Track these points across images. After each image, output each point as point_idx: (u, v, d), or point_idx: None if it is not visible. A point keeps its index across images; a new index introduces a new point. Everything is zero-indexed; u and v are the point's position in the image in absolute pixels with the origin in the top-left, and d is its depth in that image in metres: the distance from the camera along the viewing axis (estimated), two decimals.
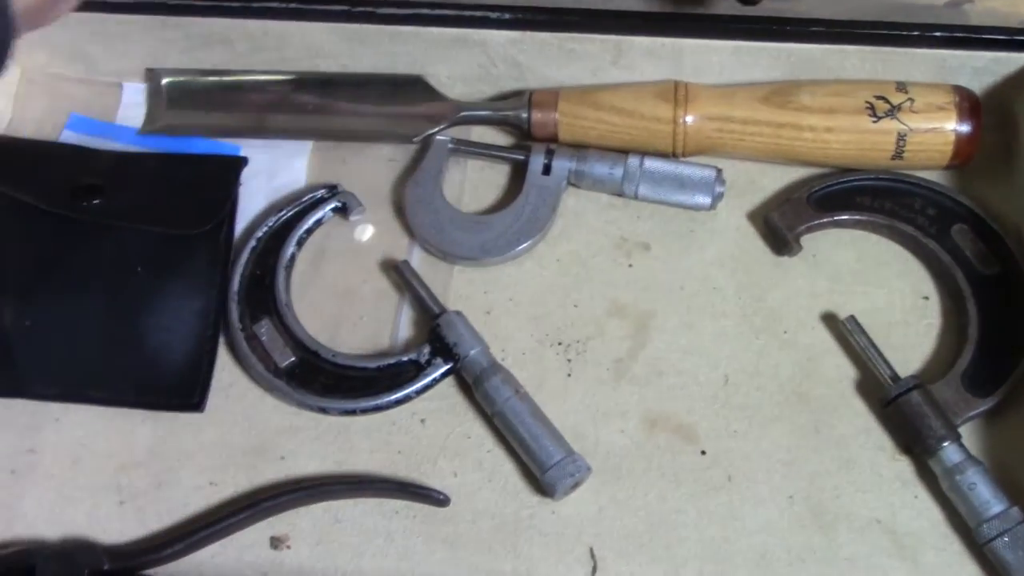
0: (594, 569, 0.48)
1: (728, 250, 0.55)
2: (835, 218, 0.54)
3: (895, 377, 0.50)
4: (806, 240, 0.54)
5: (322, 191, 0.56)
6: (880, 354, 0.50)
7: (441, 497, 0.49)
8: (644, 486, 0.50)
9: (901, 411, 0.49)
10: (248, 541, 0.49)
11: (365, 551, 0.49)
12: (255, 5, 0.56)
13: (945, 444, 0.48)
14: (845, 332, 0.52)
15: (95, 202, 0.55)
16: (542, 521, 0.49)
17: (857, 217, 0.54)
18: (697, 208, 0.55)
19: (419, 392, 0.52)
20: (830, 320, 0.53)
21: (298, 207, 0.56)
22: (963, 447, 0.48)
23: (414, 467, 0.51)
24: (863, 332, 0.51)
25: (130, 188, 0.56)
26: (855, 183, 0.55)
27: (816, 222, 0.54)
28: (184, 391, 0.52)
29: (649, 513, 0.49)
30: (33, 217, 0.55)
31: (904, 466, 0.50)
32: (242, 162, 0.57)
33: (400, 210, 0.57)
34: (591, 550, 0.49)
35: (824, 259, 0.55)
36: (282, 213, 0.56)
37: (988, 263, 0.52)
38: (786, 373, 0.52)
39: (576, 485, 0.49)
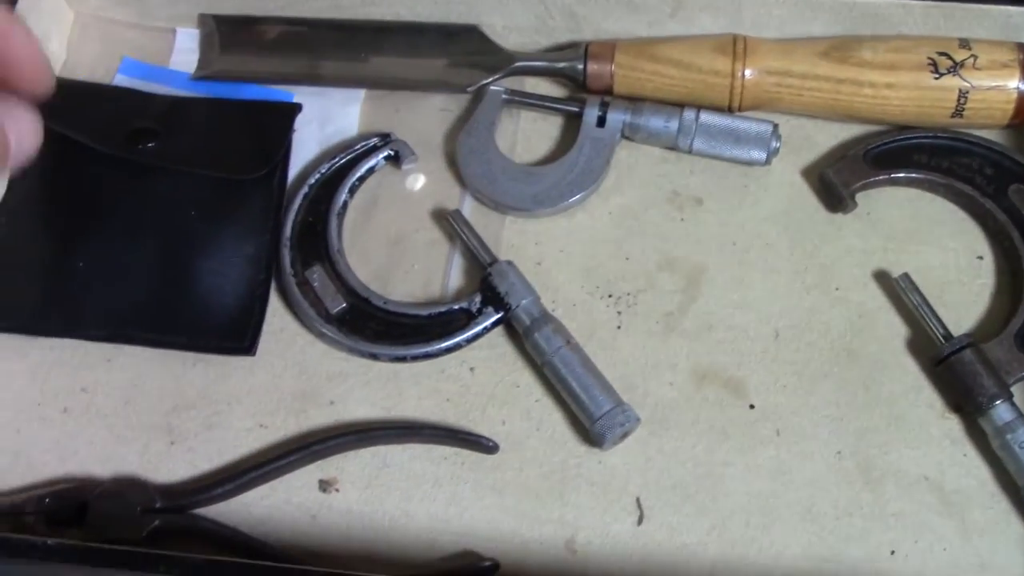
0: (641, 518, 0.49)
1: (781, 206, 0.55)
2: (891, 176, 0.54)
3: (947, 335, 0.50)
4: (861, 197, 0.54)
5: (375, 139, 0.56)
6: (933, 312, 0.50)
7: (490, 444, 0.50)
8: (692, 438, 0.50)
9: (952, 369, 0.49)
10: (297, 483, 0.50)
11: (413, 495, 0.50)
12: None
13: (997, 403, 0.48)
14: (898, 289, 0.51)
15: (150, 145, 0.55)
16: (589, 470, 0.50)
17: (913, 175, 0.54)
18: (752, 163, 0.55)
19: (469, 340, 0.52)
20: (883, 278, 0.53)
21: (350, 155, 0.56)
22: (1015, 406, 0.48)
23: (463, 415, 0.51)
24: (916, 289, 0.51)
25: (185, 132, 0.56)
26: (913, 141, 0.54)
27: (872, 179, 0.54)
28: (236, 335, 0.52)
29: (696, 465, 0.49)
30: (88, 158, 0.55)
31: (953, 424, 0.50)
32: (296, 108, 0.57)
33: (452, 160, 0.56)
34: (638, 500, 0.49)
35: (879, 217, 0.54)
36: (335, 160, 0.56)
37: None
38: (837, 330, 0.52)
39: (625, 435, 0.49)
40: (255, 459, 0.51)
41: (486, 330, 0.52)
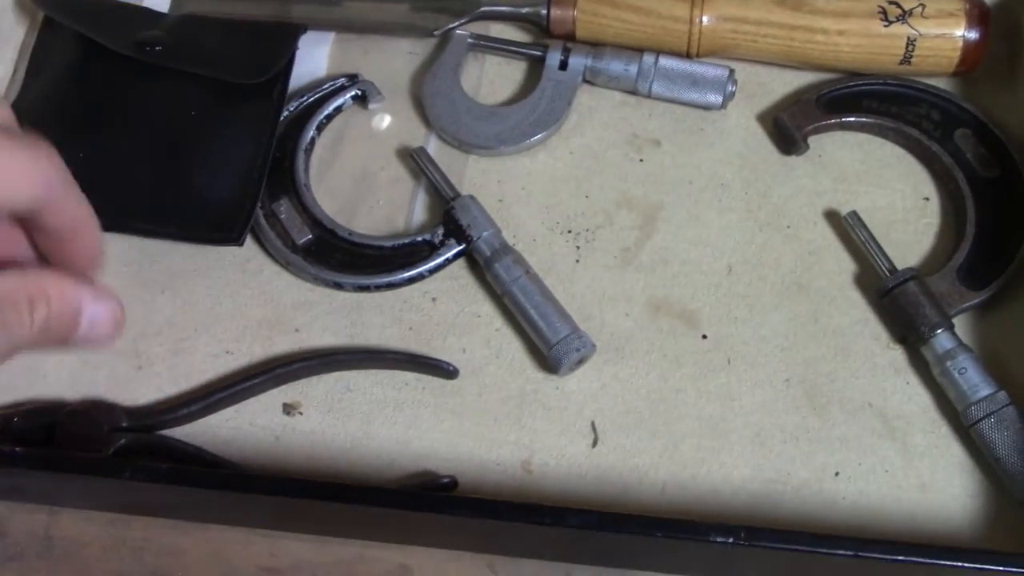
0: (595, 441, 0.50)
1: (736, 148, 0.57)
2: (842, 120, 0.56)
3: (892, 269, 0.51)
4: (813, 141, 0.56)
5: (342, 80, 0.58)
6: (879, 247, 0.52)
7: (451, 368, 0.51)
8: (646, 366, 0.52)
9: (897, 301, 0.51)
10: (262, 407, 0.51)
11: (374, 419, 0.51)
12: None
13: (938, 331, 0.50)
14: (846, 227, 0.53)
15: (157, 48, 0.57)
16: (546, 396, 0.51)
17: (863, 120, 0.56)
18: (708, 107, 0.57)
19: (432, 271, 0.53)
20: (833, 217, 0.55)
21: (318, 94, 0.58)
22: (955, 335, 0.50)
23: (424, 342, 0.52)
24: (864, 226, 0.53)
25: (191, 41, 0.58)
26: (863, 87, 0.56)
27: (823, 123, 0.56)
28: (226, 226, 0.54)
29: (650, 391, 0.51)
30: (99, 58, 0.57)
31: (897, 355, 0.52)
32: (300, 28, 0.58)
33: (418, 102, 0.58)
34: (593, 424, 0.51)
35: (830, 160, 0.56)
36: (303, 99, 0.57)
37: (988, 166, 0.54)
38: (787, 265, 0.54)
39: (581, 361, 0.51)
40: (221, 382, 0.52)
41: (448, 261, 0.54)
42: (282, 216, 0.55)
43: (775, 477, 0.49)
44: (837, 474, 0.49)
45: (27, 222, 0.39)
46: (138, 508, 0.51)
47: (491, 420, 0.51)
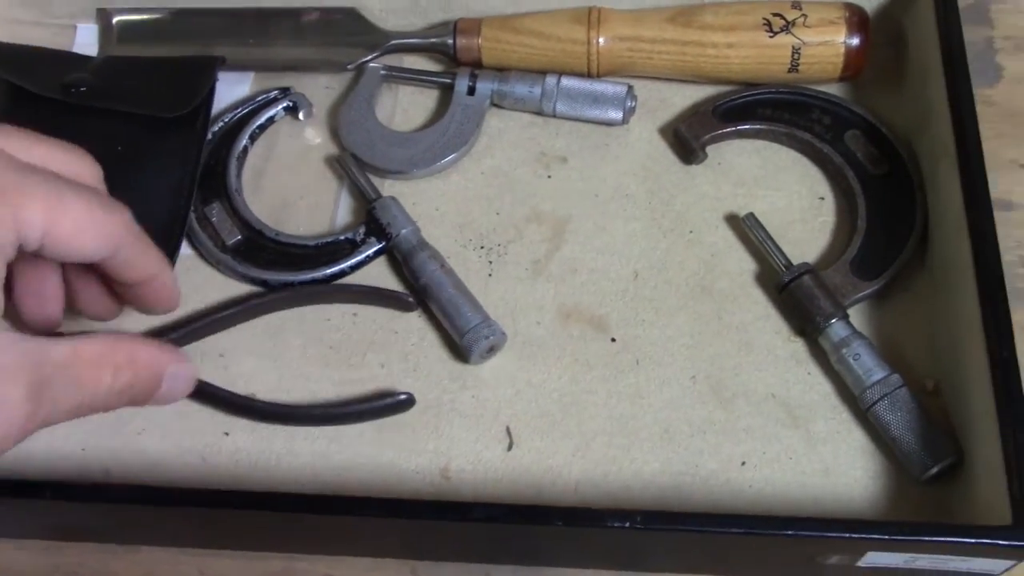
0: (510, 445, 0.52)
1: (640, 161, 0.59)
2: (738, 128, 0.58)
3: (788, 265, 0.54)
4: (712, 149, 0.59)
5: (275, 92, 0.61)
6: (776, 245, 0.54)
7: (409, 300, 0.54)
8: (558, 371, 0.54)
9: (793, 294, 0.53)
10: (192, 429, 0.53)
11: (296, 435, 0.52)
12: None
13: (833, 321, 0.52)
14: (745, 228, 0.55)
15: (82, 90, 0.59)
16: (463, 404, 0.53)
17: (758, 127, 0.58)
18: (611, 123, 0.59)
19: (353, 268, 0.56)
20: (733, 220, 0.57)
21: (252, 105, 0.61)
22: (850, 324, 0.52)
23: (343, 360, 0.54)
24: (761, 226, 0.55)
25: (115, 80, 0.60)
26: (756, 96, 0.59)
27: (720, 132, 0.58)
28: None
29: (562, 395, 0.53)
30: (27, 102, 0.60)
31: (798, 347, 0.54)
32: (218, 60, 0.61)
33: (336, 132, 0.61)
34: (507, 428, 0.52)
35: (729, 166, 0.59)
36: (237, 111, 0.61)
37: (877, 164, 0.56)
38: (691, 268, 0.56)
39: (492, 349, 0.53)
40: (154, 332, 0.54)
41: (369, 259, 0.56)
42: (213, 219, 0.57)
43: (684, 470, 0.51)
44: (743, 464, 0.51)
45: (104, 272, 0.43)
46: (70, 534, 0.52)
47: (410, 431, 0.52)
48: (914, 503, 0.49)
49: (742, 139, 0.59)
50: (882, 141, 0.57)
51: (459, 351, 0.53)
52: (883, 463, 0.50)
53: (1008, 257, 0.56)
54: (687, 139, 0.58)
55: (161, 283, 0.46)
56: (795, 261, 0.54)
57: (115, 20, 0.63)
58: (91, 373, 0.39)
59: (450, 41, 0.60)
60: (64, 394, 0.38)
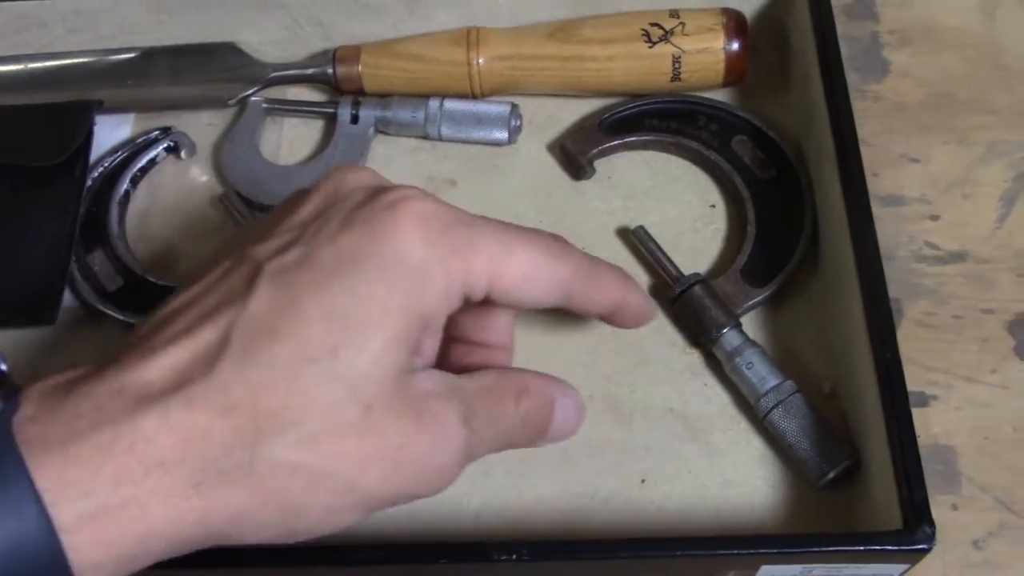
0: None
1: (529, 180, 0.59)
2: (625, 141, 0.58)
3: (679, 276, 0.53)
4: (600, 164, 0.58)
5: (156, 132, 0.60)
6: (666, 257, 0.54)
7: None
8: None
9: (685, 305, 0.52)
10: None
11: None
12: None
13: (725, 330, 0.51)
14: (635, 241, 0.55)
15: None
16: None
17: (645, 138, 0.58)
18: (497, 143, 0.59)
19: None
20: (624, 235, 0.56)
21: (132, 148, 0.60)
22: (742, 332, 0.51)
23: None
24: (650, 238, 0.54)
25: None
26: (643, 107, 0.58)
27: (607, 145, 0.58)
28: (38, 306, 0.55)
29: None
30: None
31: (694, 359, 0.53)
32: (95, 104, 0.59)
33: (220, 170, 0.59)
34: None
35: (618, 180, 0.58)
36: (118, 154, 0.60)
37: (765, 168, 0.56)
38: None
39: None
40: None
41: None
42: (96, 267, 0.56)
43: (583, 492, 0.50)
44: (643, 481, 0.50)
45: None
46: None
47: None
48: (815, 510, 0.49)
49: (630, 151, 0.58)
50: (769, 145, 0.57)
51: None
52: (783, 471, 0.50)
53: (901, 252, 0.56)
54: (574, 155, 0.57)
55: (629, 306, 0.43)
56: (688, 271, 0.54)
57: None
58: (499, 402, 0.39)
59: (330, 70, 0.59)
60: (484, 424, 0.38)
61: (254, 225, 0.40)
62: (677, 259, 0.54)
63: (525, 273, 0.38)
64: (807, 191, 0.55)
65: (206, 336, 0.34)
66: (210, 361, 0.33)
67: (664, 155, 0.58)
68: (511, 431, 0.40)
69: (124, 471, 0.32)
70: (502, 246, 0.38)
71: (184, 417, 0.33)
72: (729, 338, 0.51)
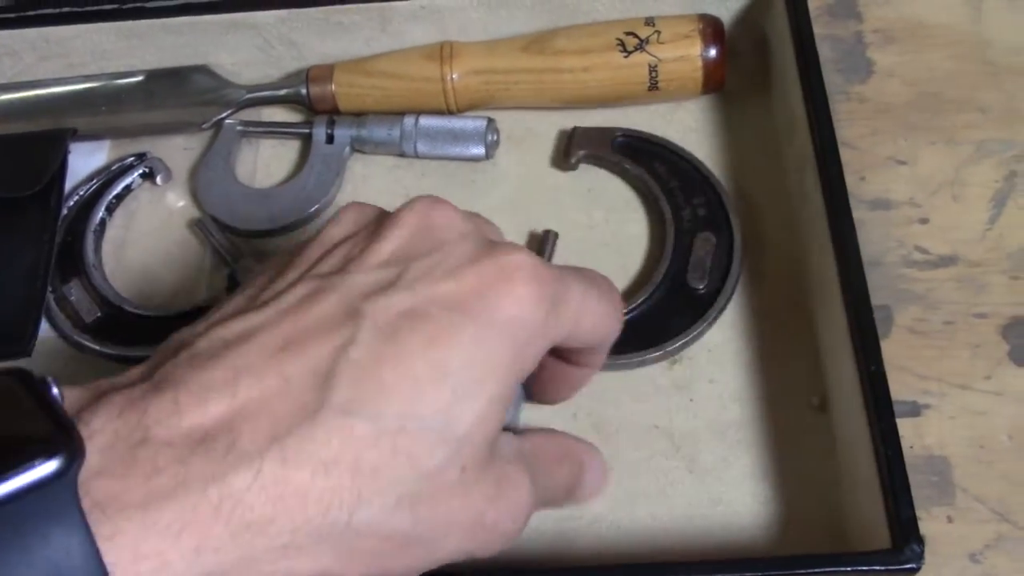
0: None
1: (508, 195, 0.58)
2: (622, 165, 0.56)
3: None
4: (589, 171, 0.57)
5: (131, 158, 0.59)
6: None
7: None
8: None
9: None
10: None
11: None
12: (30, 13, 0.58)
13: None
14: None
15: None
16: None
17: (638, 171, 0.56)
18: (475, 159, 0.58)
19: None
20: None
21: (107, 175, 0.59)
22: None
23: None
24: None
25: None
26: (659, 146, 0.57)
27: (606, 158, 0.56)
28: (14, 338, 0.54)
29: None
30: None
31: (679, 373, 0.52)
32: (69, 132, 0.59)
33: (196, 195, 0.59)
34: None
35: (599, 193, 0.57)
36: (92, 183, 0.59)
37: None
38: None
39: None
40: None
41: None
42: (72, 298, 0.55)
43: (567, 515, 0.49)
44: (630, 502, 0.49)
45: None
46: None
47: None
48: (807, 527, 0.48)
49: (612, 172, 0.57)
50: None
51: None
52: (773, 488, 0.49)
53: (890, 258, 0.55)
54: (574, 143, 0.56)
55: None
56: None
57: None
58: (552, 465, 0.39)
59: (303, 91, 0.58)
60: (540, 487, 0.37)
61: (315, 241, 0.37)
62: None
63: (595, 322, 0.37)
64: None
65: (299, 375, 0.31)
66: (309, 409, 0.30)
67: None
68: (556, 492, 0.39)
69: (207, 538, 0.28)
70: (584, 296, 0.36)
71: (280, 473, 0.29)
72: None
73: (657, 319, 0.52)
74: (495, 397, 0.33)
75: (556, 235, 0.54)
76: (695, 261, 0.53)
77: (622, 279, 0.55)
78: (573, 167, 0.57)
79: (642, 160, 0.56)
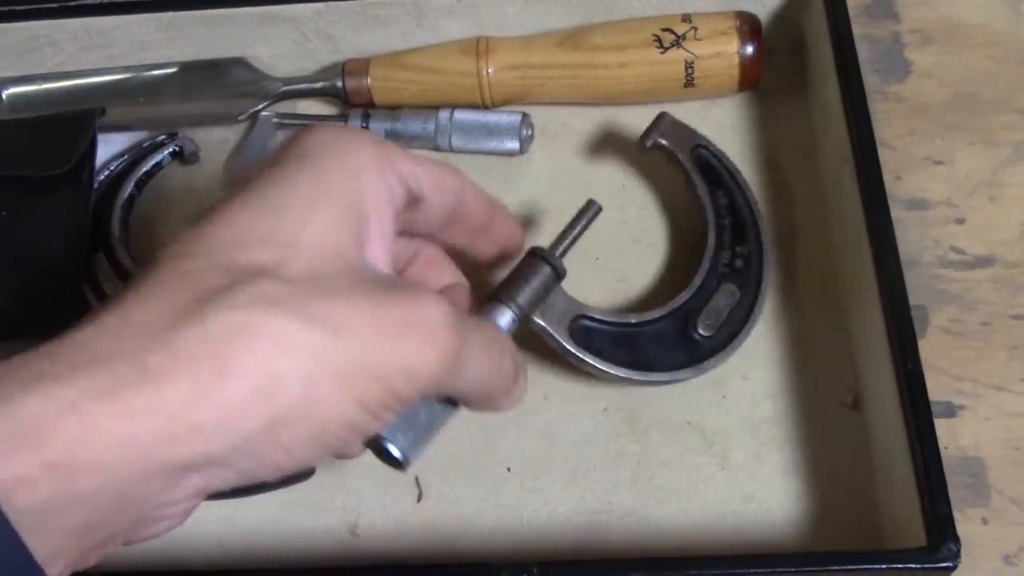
0: (420, 496, 0.50)
1: (542, 189, 0.58)
2: (689, 177, 0.53)
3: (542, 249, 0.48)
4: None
5: (162, 136, 0.60)
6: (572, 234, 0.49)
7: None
8: (466, 413, 0.51)
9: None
10: None
11: None
12: (71, 4, 0.59)
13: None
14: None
15: None
16: (369, 456, 0.51)
17: (698, 183, 0.53)
18: (509, 153, 0.58)
19: None
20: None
21: (138, 152, 0.60)
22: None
23: None
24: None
25: None
26: (733, 178, 0.54)
27: (677, 158, 0.53)
28: (55, 317, 0.53)
29: (471, 438, 0.51)
30: None
31: (712, 371, 0.51)
32: (97, 112, 0.59)
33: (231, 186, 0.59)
34: (416, 479, 0.51)
35: (633, 190, 0.57)
36: (123, 158, 0.60)
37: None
38: (599, 295, 0.54)
39: None
40: None
41: None
42: (97, 271, 0.56)
43: (599, 508, 0.49)
44: (661, 497, 0.49)
45: (450, 227, 0.43)
46: None
47: (317, 488, 0.50)
48: (839, 525, 0.47)
49: (683, 181, 0.54)
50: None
51: None
52: (804, 486, 0.48)
53: (926, 258, 0.55)
54: (657, 129, 0.53)
55: (503, 219, 0.45)
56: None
57: (5, 90, 0.62)
58: (497, 347, 0.39)
59: (340, 83, 0.59)
60: (474, 356, 0.36)
61: None
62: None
63: (435, 180, 0.40)
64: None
65: None
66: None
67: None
68: (494, 379, 0.39)
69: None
70: (414, 158, 0.39)
71: None
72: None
73: (648, 345, 0.50)
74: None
75: (599, 208, 0.50)
76: (712, 308, 0.50)
77: (644, 278, 0.55)
78: (645, 151, 0.54)
79: (710, 181, 0.53)
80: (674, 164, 0.54)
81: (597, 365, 0.48)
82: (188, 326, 0.30)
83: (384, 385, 0.33)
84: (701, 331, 0.50)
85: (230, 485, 0.33)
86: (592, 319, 0.49)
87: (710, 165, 0.54)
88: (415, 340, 0.33)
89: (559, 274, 0.47)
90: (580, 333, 0.49)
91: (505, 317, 0.45)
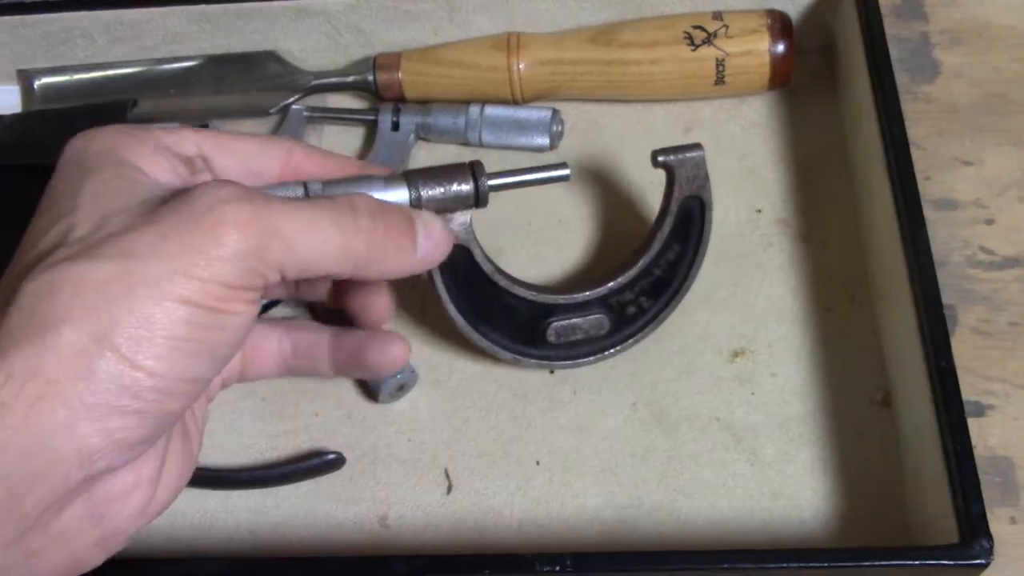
0: (449, 488, 0.50)
1: (570, 185, 0.58)
2: (663, 215, 0.50)
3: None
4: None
5: (195, 126, 0.59)
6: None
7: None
8: (495, 406, 0.52)
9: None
10: None
11: (230, 492, 0.51)
12: None
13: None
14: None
15: None
16: (399, 448, 0.51)
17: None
18: (539, 149, 0.58)
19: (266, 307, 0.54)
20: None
21: None
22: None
23: (278, 411, 0.53)
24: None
25: (29, 135, 0.60)
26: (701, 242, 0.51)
27: (667, 194, 0.50)
28: None
29: (500, 431, 0.51)
30: None
31: (740, 367, 0.52)
32: (129, 103, 0.59)
33: None
34: (446, 471, 0.51)
35: (660, 183, 0.57)
36: None
37: None
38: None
39: (402, 388, 0.52)
40: None
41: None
42: None
43: (628, 503, 0.49)
44: (689, 493, 0.49)
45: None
46: None
47: (347, 479, 0.51)
48: (868, 523, 0.47)
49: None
50: None
51: None
52: (833, 483, 0.49)
53: (955, 258, 0.55)
54: (676, 152, 0.49)
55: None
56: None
57: (37, 81, 0.62)
58: (347, 209, 0.40)
59: (370, 78, 0.59)
60: (303, 223, 0.37)
61: None
62: None
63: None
64: None
65: None
66: None
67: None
68: (348, 239, 0.38)
69: None
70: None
71: None
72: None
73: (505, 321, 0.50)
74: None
75: (567, 174, 0.48)
76: (572, 325, 0.50)
77: (562, 267, 0.55)
78: (655, 163, 0.51)
79: (677, 231, 0.50)
80: (665, 194, 0.51)
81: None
82: (8, 308, 0.34)
83: (198, 275, 0.34)
84: (550, 337, 0.50)
85: (148, 420, 0.35)
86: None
87: (691, 219, 0.51)
88: (206, 227, 0.35)
89: (479, 196, 0.46)
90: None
91: (395, 193, 0.44)
